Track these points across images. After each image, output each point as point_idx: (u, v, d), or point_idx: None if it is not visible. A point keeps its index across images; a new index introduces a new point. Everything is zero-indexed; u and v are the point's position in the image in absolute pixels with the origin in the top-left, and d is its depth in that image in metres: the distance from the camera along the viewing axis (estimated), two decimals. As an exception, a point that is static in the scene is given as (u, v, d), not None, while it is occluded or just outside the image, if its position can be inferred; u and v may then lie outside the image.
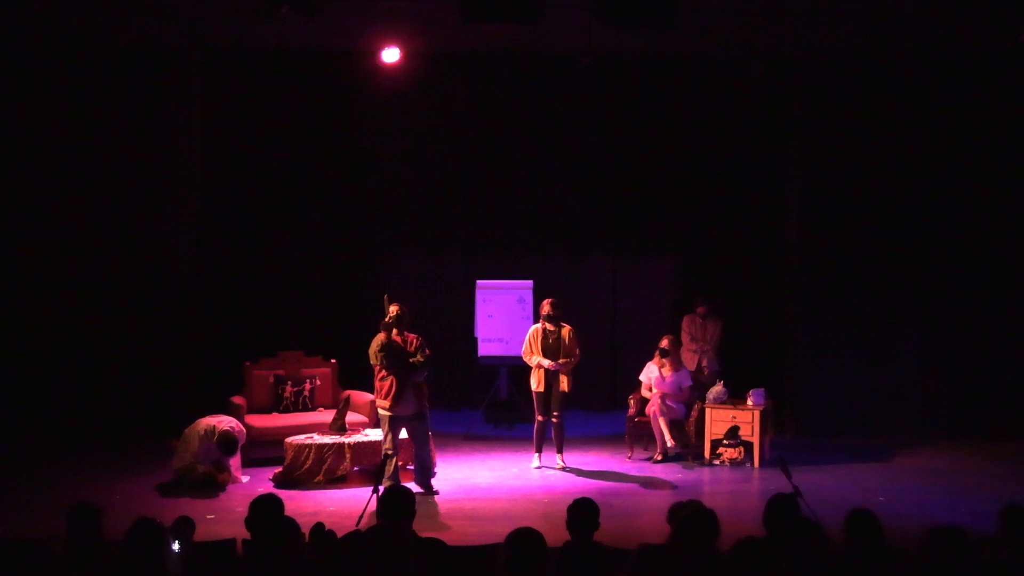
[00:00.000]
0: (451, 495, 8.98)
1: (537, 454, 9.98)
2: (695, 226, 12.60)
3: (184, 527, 5.47)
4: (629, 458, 10.39)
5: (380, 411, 9.00)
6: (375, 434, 9.59)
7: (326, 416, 9.96)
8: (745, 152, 12.29)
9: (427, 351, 8.94)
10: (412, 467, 9.50)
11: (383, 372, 8.85)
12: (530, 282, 12.40)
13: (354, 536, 5.09)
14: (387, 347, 8.77)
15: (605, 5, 8.97)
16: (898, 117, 11.45)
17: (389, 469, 8.76)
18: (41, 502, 8.30)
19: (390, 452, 8.84)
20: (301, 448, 9.27)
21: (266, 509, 5.00)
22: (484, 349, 12.22)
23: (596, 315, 12.74)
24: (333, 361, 10.87)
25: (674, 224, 12.68)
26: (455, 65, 11.84)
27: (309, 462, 9.21)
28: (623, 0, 8.94)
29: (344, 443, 9.34)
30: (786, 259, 11.96)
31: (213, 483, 8.96)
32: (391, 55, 10.76)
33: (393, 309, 8.88)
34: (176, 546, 4.90)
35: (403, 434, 9.48)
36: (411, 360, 8.83)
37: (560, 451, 9.97)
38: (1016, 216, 11.52)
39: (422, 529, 5.23)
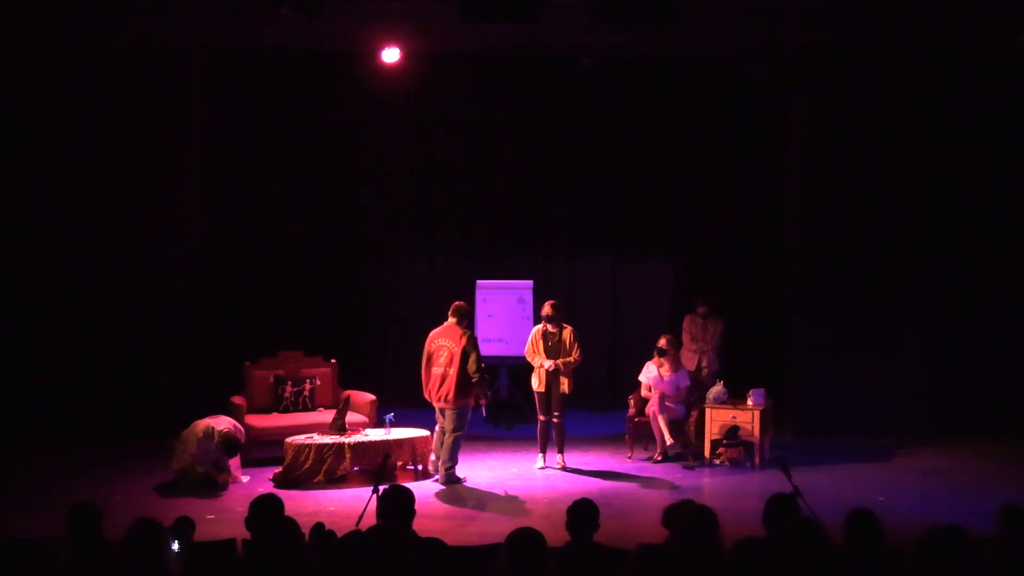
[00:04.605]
0: (451, 495, 8.99)
1: (541, 454, 9.97)
2: (695, 226, 12.60)
3: (184, 527, 5.46)
4: (629, 458, 10.39)
5: (455, 405, 9.28)
6: (375, 434, 9.61)
7: (326, 416, 9.95)
8: (745, 152, 12.30)
9: None
10: (412, 467, 9.54)
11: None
12: (530, 282, 12.41)
13: (354, 536, 5.09)
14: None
15: (605, 5, 8.98)
16: (898, 117, 11.45)
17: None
18: (41, 502, 8.29)
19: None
20: (301, 448, 9.26)
21: (266, 509, 5.00)
22: (484, 349, 12.14)
23: (596, 315, 12.74)
24: (333, 361, 10.87)
25: (674, 224, 12.68)
26: (455, 65, 11.86)
27: (309, 462, 9.21)
28: (623, 0, 8.95)
29: (344, 443, 9.33)
30: (786, 259, 11.96)
31: (213, 484, 8.95)
32: (391, 55, 10.76)
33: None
34: (176, 546, 4.90)
35: (406, 433, 9.65)
36: None
37: (561, 451, 9.97)
38: (1016, 217, 11.52)
39: (422, 529, 5.23)
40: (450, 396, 9.28)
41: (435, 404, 9.44)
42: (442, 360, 9.32)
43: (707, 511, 4.69)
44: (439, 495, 8.96)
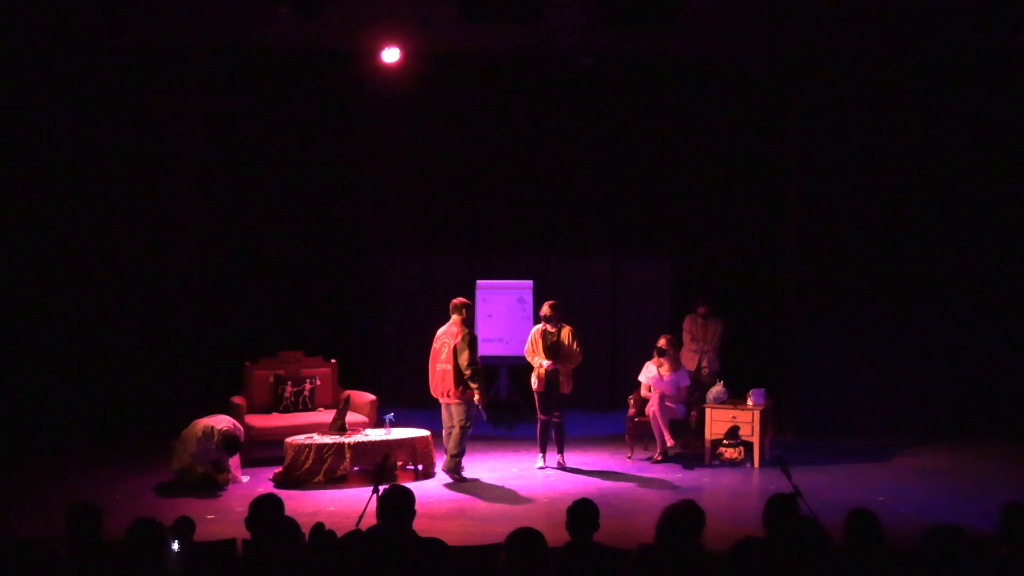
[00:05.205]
0: (451, 495, 8.99)
1: (541, 454, 9.98)
2: (695, 226, 12.60)
3: (184, 527, 5.47)
4: (629, 458, 10.39)
5: (459, 398, 9.40)
6: (375, 434, 9.62)
7: (326, 416, 9.95)
8: (745, 152, 12.29)
9: None
10: (412, 467, 9.54)
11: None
12: (530, 282, 12.41)
13: (354, 536, 5.08)
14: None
15: (605, 5, 8.98)
16: (898, 117, 11.45)
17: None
18: (41, 502, 8.29)
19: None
20: (301, 448, 9.26)
21: (266, 509, 5.00)
22: (484, 349, 12.16)
23: (596, 315, 12.74)
24: (333, 361, 10.87)
25: (674, 224, 12.68)
26: (455, 65, 11.85)
27: (309, 462, 9.21)
28: (623, 0, 8.95)
29: (344, 443, 9.33)
30: (786, 259, 11.96)
31: (212, 484, 8.95)
32: (391, 55, 10.76)
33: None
34: (176, 546, 4.89)
35: (406, 433, 9.66)
36: None
37: (561, 451, 9.98)
38: (1016, 217, 11.52)
39: (422, 529, 5.23)
40: (450, 391, 9.34)
41: (441, 400, 9.48)
42: (443, 357, 9.40)
43: (689, 512, 4.67)
44: (439, 495, 8.96)
